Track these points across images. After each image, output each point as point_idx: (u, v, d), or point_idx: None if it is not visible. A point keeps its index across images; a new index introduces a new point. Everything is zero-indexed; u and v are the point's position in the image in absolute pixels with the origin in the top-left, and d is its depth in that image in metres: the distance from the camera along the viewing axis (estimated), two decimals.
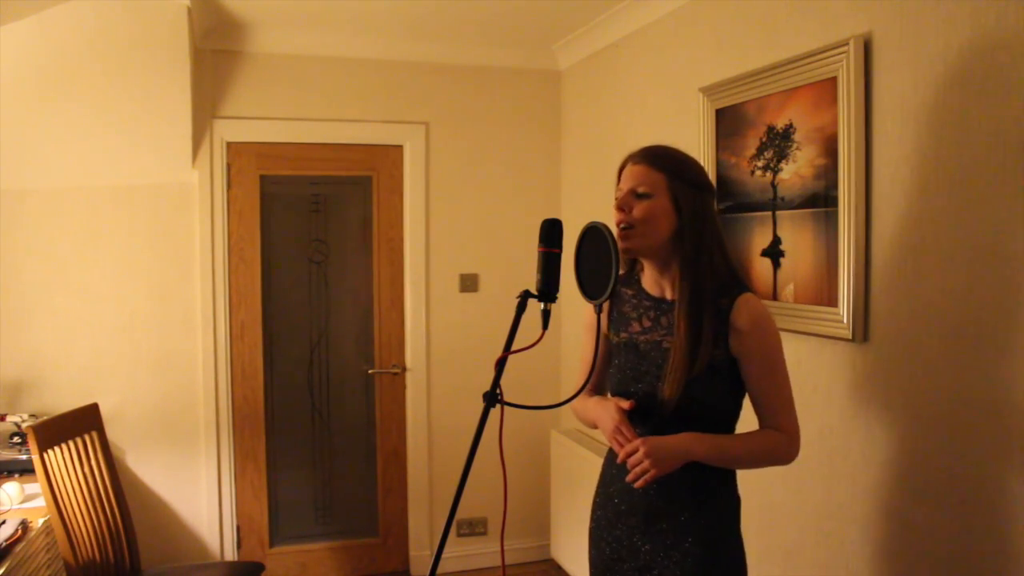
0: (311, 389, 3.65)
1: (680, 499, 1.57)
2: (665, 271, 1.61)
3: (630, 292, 1.69)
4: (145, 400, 3.37)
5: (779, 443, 1.55)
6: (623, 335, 1.67)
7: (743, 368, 1.55)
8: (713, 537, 1.56)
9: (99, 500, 2.59)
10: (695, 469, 1.54)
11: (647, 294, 1.65)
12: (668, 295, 1.61)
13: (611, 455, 1.71)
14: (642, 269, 1.68)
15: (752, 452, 1.56)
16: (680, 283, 1.55)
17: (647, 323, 1.63)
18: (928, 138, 1.72)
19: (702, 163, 1.89)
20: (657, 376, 1.57)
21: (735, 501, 1.64)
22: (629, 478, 1.52)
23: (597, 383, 1.80)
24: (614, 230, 1.53)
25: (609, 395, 1.72)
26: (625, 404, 1.58)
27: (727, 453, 1.54)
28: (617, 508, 1.65)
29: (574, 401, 1.70)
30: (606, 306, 1.72)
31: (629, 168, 1.61)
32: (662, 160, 1.58)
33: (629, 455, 1.52)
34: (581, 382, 1.69)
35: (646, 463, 1.49)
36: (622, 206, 1.57)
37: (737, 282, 1.57)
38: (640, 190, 1.56)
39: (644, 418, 1.59)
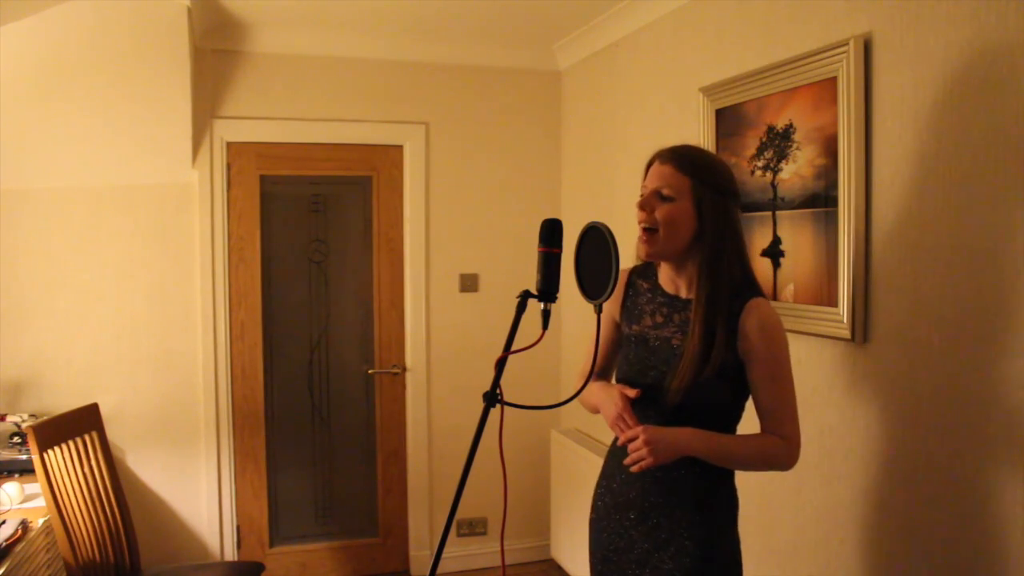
0: (311, 389, 3.65)
1: (678, 496, 1.58)
2: (681, 270, 1.61)
3: (646, 285, 1.70)
4: (145, 400, 3.37)
5: (778, 449, 1.55)
6: (635, 327, 1.68)
7: (748, 372, 1.55)
8: (709, 536, 1.57)
9: (99, 500, 2.59)
10: (695, 467, 1.55)
11: (662, 290, 1.66)
12: (683, 293, 1.62)
13: (613, 448, 1.72)
14: (659, 264, 1.69)
15: (750, 454, 1.57)
16: (697, 287, 1.55)
17: (659, 319, 1.64)
18: (928, 138, 1.72)
19: None
20: (663, 372, 1.58)
21: (733, 501, 1.65)
22: (627, 461, 1.53)
23: (602, 369, 1.82)
24: (636, 228, 1.53)
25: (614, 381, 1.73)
26: (631, 392, 1.59)
27: (725, 452, 1.55)
28: (616, 500, 1.67)
29: None
30: (620, 293, 1.74)
31: (656, 167, 1.60)
32: (690, 163, 1.57)
33: (630, 440, 1.53)
34: (586, 371, 1.72)
35: (644, 450, 1.50)
36: (645, 206, 1.57)
37: (750, 286, 1.57)
38: (664, 192, 1.55)
39: (646, 411, 1.60)
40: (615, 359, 1.78)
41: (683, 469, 1.56)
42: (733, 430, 1.62)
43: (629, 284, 1.74)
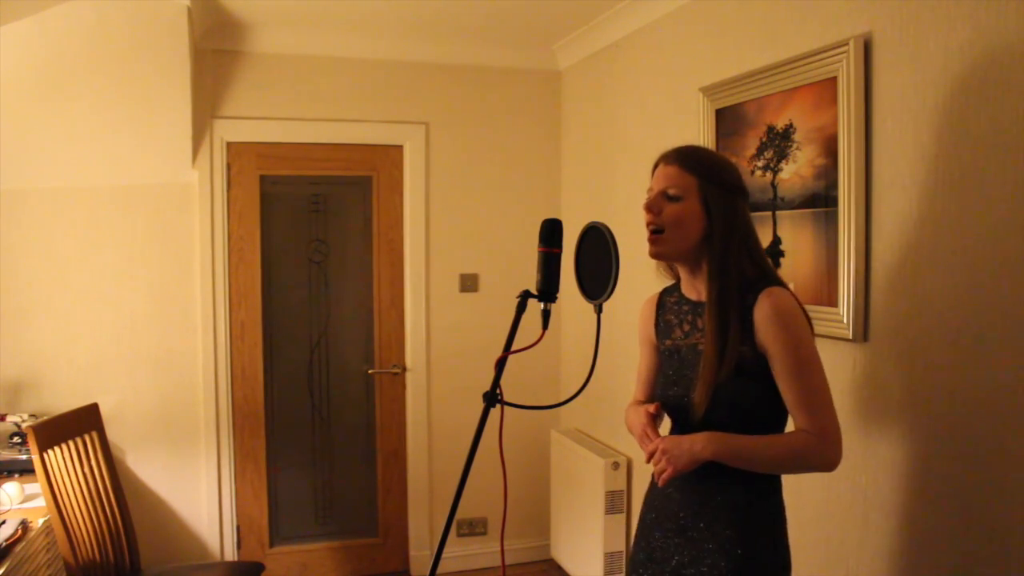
0: (311, 389, 3.65)
1: (713, 509, 1.54)
2: (697, 273, 1.59)
3: (672, 299, 1.69)
4: (145, 400, 3.37)
5: (808, 445, 1.44)
6: (668, 342, 1.66)
7: (771, 366, 1.48)
8: (746, 553, 1.51)
9: (99, 500, 2.59)
10: (732, 480, 1.51)
11: (686, 299, 1.64)
12: (703, 297, 1.59)
13: None
14: (679, 272, 1.68)
15: (777, 454, 1.48)
16: (708, 287, 1.53)
17: (687, 327, 1.62)
18: (928, 138, 1.72)
19: None
20: (693, 379, 1.55)
21: (777, 516, 1.58)
22: (655, 476, 1.54)
23: (650, 393, 1.78)
24: (635, 228, 1.52)
25: None
26: (651, 408, 1.60)
27: (747, 453, 1.47)
28: (657, 512, 1.65)
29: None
30: (653, 315, 1.73)
31: (661, 168, 1.58)
32: (695, 162, 1.55)
33: (651, 454, 1.54)
34: (637, 396, 1.76)
35: (663, 461, 1.50)
36: (651, 207, 1.55)
37: (766, 278, 1.53)
38: (671, 192, 1.54)
39: (680, 424, 1.60)
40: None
41: (716, 481, 1.52)
42: None
43: (659, 304, 1.72)
